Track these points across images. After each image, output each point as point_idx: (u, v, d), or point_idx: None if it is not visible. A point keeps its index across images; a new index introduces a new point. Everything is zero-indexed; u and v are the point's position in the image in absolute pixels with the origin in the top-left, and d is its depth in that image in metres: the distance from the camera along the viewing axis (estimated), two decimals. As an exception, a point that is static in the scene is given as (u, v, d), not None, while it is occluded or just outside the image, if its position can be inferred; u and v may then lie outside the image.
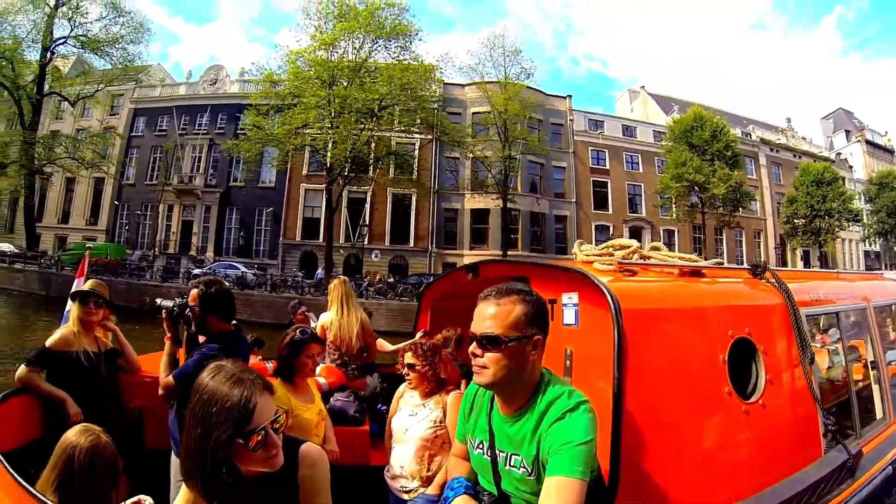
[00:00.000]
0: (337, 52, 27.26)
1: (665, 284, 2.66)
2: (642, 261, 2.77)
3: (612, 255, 2.78)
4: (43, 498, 1.94)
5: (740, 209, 36.80)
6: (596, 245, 3.06)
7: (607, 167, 40.64)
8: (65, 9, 30.48)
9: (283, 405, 2.46)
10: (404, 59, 27.49)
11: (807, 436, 2.82)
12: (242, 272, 28.14)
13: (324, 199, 31.38)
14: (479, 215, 34.64)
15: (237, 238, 35.38)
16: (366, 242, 32.19)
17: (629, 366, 2.00)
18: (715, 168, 32.99)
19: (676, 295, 2.58)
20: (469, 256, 31.02)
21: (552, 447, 1.50)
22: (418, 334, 4.13)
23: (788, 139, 50.12)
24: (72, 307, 3.40)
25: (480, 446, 1.83)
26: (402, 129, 29.87)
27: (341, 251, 31.93)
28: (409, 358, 3.01)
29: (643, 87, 55.49)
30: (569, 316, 2.60)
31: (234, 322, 3.02)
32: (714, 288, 2.85)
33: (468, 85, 35.19)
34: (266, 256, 34.35)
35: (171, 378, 2.66)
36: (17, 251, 32.03)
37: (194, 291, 2.81)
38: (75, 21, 30.82)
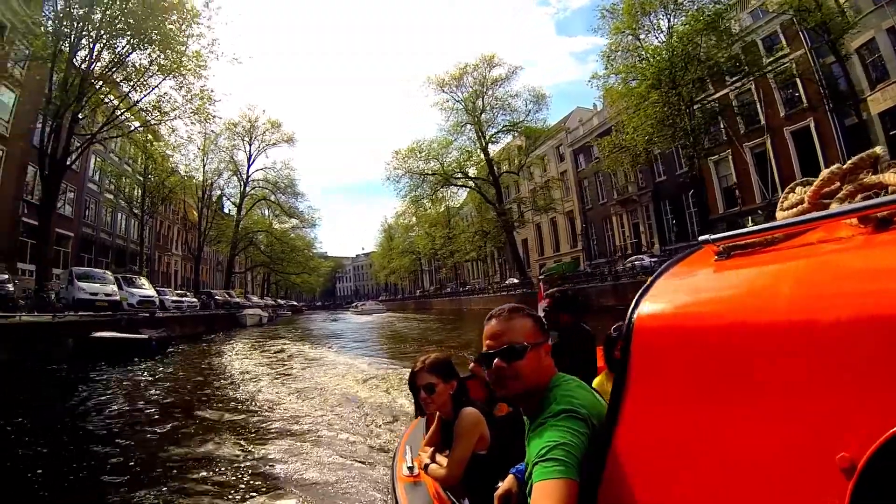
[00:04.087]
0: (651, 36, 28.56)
1: (815, 261, 1.08)
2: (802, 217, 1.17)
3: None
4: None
5: None
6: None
7: None
8: (484, 116, 45.90)
9: (601, 388, 2.85)
10: None
11: None
12: (644, 261, 33.19)
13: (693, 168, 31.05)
14: (891, 117, 24.71)
15: (671, 226, 38.50)
16: (781, 194, 29.53)
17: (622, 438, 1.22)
18: None
19: (783, 298, 0.98)
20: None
21: (532, 457, 1.39)
22: None
23: None
24: None
25: None
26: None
27: (759, 212, 30.03)
28: None
29: None
30: None
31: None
32: None
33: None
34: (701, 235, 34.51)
35: None
36: (515, 282, 47.43)
37: (549, 299, 3.90)
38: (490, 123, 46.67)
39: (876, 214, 1.03)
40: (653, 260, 32.97)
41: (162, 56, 20.84)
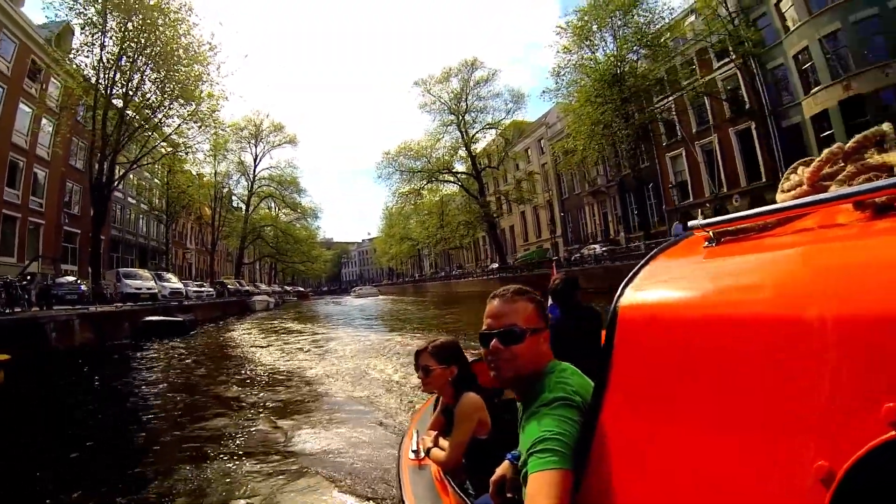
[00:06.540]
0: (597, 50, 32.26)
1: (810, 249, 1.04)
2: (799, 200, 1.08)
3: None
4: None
5: None
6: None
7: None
8: (467, 116, 50.98)
9: None
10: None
11: None
12: (596, 250, 37.93)
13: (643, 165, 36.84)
14: (821, 121, 26.76)
15: (633, 216, 41.43)
16: (726, 189, 32.95)
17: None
18: None
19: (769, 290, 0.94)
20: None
21: (527, 447, 1.38)
22: None
23: None
24: None
25: None
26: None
27: (707, 205, 33.36)
28: None
29: None
30: None
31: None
32: None
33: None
34: (658, 225, 38.38)
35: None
36: (496, 266, 52.18)
37: (556, 282, 4.15)
38: (473, 122, 50.82)
39: (874, 199, 0.94)
40: (604, 249, 37.64)
41: (182, 101, 26.15)
